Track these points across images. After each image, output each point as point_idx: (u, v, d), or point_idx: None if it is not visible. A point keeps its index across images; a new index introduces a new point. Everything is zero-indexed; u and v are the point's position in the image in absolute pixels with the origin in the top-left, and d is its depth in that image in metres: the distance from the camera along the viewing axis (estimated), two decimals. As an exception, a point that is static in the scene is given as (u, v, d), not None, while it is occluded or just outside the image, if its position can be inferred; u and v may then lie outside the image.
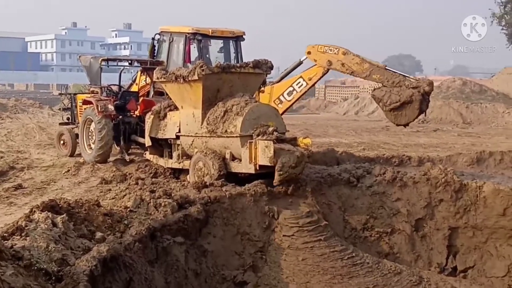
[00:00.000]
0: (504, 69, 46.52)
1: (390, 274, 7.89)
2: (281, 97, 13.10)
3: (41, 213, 5.63)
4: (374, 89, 12.72)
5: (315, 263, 7.73)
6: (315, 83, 13.31)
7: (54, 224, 5.51)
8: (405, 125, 12.54)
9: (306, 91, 13.42)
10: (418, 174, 9.67)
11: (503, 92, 38.97)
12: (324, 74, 13.18)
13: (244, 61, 13.13)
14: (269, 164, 8.75)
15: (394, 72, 12.50)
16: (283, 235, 8.03)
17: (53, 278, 4.69)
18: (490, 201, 9.12)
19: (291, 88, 13.04)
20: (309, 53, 13.01)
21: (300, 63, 13.59)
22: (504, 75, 45.04)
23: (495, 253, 9.15)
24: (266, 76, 11.15)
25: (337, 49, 12.66)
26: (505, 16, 43.99)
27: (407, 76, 12.47)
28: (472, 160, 12.48)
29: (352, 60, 12.50)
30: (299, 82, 13.07)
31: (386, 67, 12.59)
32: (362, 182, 9.55)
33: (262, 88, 11.94)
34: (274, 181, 8.66)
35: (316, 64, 13.08)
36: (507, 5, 43.76)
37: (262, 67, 10.36)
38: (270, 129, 9.17)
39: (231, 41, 15.30)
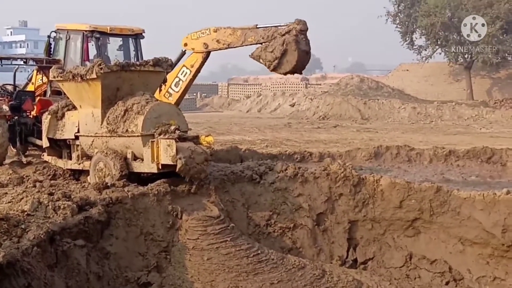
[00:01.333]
0: (399, 66, 48.37)
1: (294, 269, 8.02)
2: (170, 90, 12.99)
3: None
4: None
5: (220, 262, 7.74)
6: (199, 69, 13.17)
7: None
8: (293, 72, 12.14)
9: (192, 79, 13.22)
10: (319, 170, 9.87)
11: (398, 88, 40.59)
12: (205, 59, 12.99)
13: (144, 59, 12.99)
14: (172, 163, 8.69)
15: (266, 27, 12.26)
16: (188, 238, 7.99)
17: None
18: (387, 194, 9.43)
19: (177, 79, 12.93)
20: (185, 45, 12.94)
21: (183, 53, 13.48)
22: (399, 71, 46.87)
23: (393, 244, 9.48)
24: (167, 74, 11.07)
25: (208, 29, 12.61)
26: (399, 14, 45.71)
27: (279, 26, 12.14)
28: (370, 154, 12.91)
29: (224, 33, 12.41)
30: (183, 71, 12.98)
31: (258, 26, 12.38)
32: (265, 178, 9.65)
33: (164, 88, 11.87)
34: (177, 170, 8.61)
35: (193, 50, 12.99)
36: (400, 4, 45.50)
37: (163, 65, 10.26)
38: (172, 127, 9.10)
39: (130, 39, 15.10)
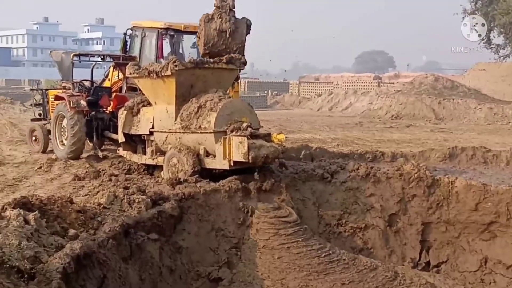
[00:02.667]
0: (475, 65, 47.05)
1: (365, 270, 7.92)
2: None
3: (12, 210, 5.56)
4: None
5: (291, 260, 7.72)
6: None
7: (26, 221, 5.43)
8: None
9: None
10: (391, 170, 9.73)
11: (474, 88, 39.43)
12: None
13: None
14: (243, 160, 8.75)
15: None
16: (258, 238, 8.01)
17: (26, 275, 4.63)
18: (462, 196, 9.21)
19: None
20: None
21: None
22: (475, 71, 45.53)
23: (467, 247, 9.24)
24: (240, 71, 11.14)
25: None
26: (476, 12, 44.46)
27: None
28: (444, 155, 12.60)
29: None
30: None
31: None
32: (336, 177, 9.59)
33: (236, 85, 11.94)
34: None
35: None
36: (478, 2, 44.24)
37: (236, 62, 10.33)
38: (244, 125, 9.17)
39: (204, 36, 15.23)
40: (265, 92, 50.49)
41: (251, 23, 10.68)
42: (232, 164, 9.01)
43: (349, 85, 47.46)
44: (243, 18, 10.61)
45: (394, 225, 9.43)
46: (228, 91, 10.85)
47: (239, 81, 12.39)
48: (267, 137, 9.34)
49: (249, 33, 10.73)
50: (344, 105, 38.46)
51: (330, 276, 7.67)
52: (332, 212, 9.29)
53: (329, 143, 17.80)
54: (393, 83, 48.27)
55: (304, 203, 9.22)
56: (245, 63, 10.52)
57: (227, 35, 10.41)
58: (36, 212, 5.71)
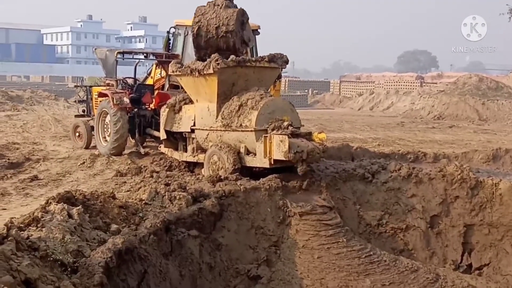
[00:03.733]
0: (521, 66, 45.78)
1: (407, 272, 7.84)
2: None
3: (57, 205, 5.65)
4: None
5: (330, 260, 7.69)
6: None
7: (70, 216, 5.53)
8: None
9: None
10: (434, 171, 9.60)
11: (519, 89, 38.60)
12: None
13: (259, 55, 13.11)
14: (284, 159, 8.74)
15: None
16: (298, 238, 8.00)
17: (69, 269, 4.71)
18: (506, 198, 9.04)
19: None
20: None
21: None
22: (521, 71, 44.40)
23: (510, 251, 9.06)
24: (282, 70, 11.13)
25: None
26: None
27: None
28: (488, 157, 12.39)
29: None
30: None
31: None
32: (377, 177, 9.50)
33: (278, 84, 11.94)
34: (298, 171, 8.65)
35: None
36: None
37: (278, 61, 10.32)
38: (285, 123, 9.15)
39: (246, 35, 15.25)
40: (306, 91, 50.39)
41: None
42: (272, 163, 9.01)
43: (391, 85, 47.04)
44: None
45: (436, 226, 9.30)
46: (269, 90, 10.86)
47: (280, 79, 12.37)
48: (308, 136, 9.33)
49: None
50: (386, 104, 38.15)
51: (370, 277, 7.62)
52: (373, 213, 9.21)
53: (370, 143, 17.68)
54: (436, 83, 47.68)
55: (344, 202, 9.16)
56: (287, 62, 10.50)
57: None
58: (80, 206, 5.80)
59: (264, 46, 15.53)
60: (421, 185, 9.41)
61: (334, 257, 7.73)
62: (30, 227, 5.13)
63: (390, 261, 7.92)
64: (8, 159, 12.85)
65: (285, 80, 50.90)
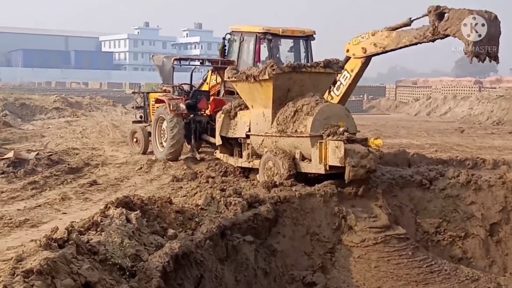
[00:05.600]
0: None
1: (467, 281, 7.67)
2: (332, 92, 12.86)
3: (115, 209, 5.76)
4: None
5: (388, 270, 7.58)
6: (359, 74, 12.92)
7: (128, 220, 5.62)
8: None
9: (352, 83, 13.03)
10: (494, 177, 9.39)
11: None
12: (364, 64, 12.66)
13: (314, 60, 13.08)
14: (339, 165, 8.67)
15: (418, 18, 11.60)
16: (355, 246, 7.90)
17: (127, 273, 4.79)
18: None
19: (338, 82, 12.77)
20: (347, 51, 12.66)
21: (347, 59, 13.29)
22: None
23: None
24: (337, 75, 11.07)
25: (367, 33, 12.28)
26: None
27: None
28: (550, 163, 12.03)
29: (381, 36, 11.99)
30: (344, 75, 12.76)
31: (411, 19, 11.70)
32: (435, 184, 9.34)
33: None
34: (345, 178, 8.58)
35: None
36: None
37: (333, 66, 10.28)
38: (341, 129, 9.09)
39: (301, 40, 15.25)
40: (361, 96, 49.92)
41: None
42: (328, 169, 8.95)
43: (449, 90, 46.16)
44: None
45: (496, 234, 9.08)
46: (324, 95, 10.81)
47: (335, 85, 12.32)
48: (364, 142, 9.23)
49: None
50: (443, 110, 37.47)
51: (429, 286, 7.49)
52: (431, 220, 9.05)
53: (427, 149, 17.38)
54: (495, 88, 46.58)
55: (401, 209, 9.03)
56: (342, 67, 10.46)
57: None
58: (138, 211, 5.90)
59: (320, 51, 15.48)
60: (480, 192, 9.21)
61: (392, 267, 7.62)
62: (90, 231, 5.24)
63: (451, 270, 7.77)
64: (68, 164, 13.15)
65: (340, 86, 50.51)
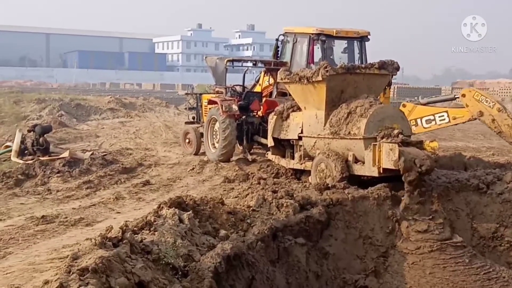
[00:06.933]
0: None
1: (525, 288, 7.45)
2: (419, 121, 12.42)
3: (168, 209, 5.80)
4: None
5: (444, 276, 7.39)
6: (457, 124, 12.64)
7: (181, 220, 5.65)
8: None
9: (444, 127, 12.75)
10: (552, 182, 9.07)
11: None
12: (469, 120, 12.42)
13: (368, 61, 12.93)
14: (394, 168, 8.53)
15: None
16: (410, 252, 7.75)
17: (180, 273, 4.81)
18: None
19: (432, 117, 12.33)
20: (463, 95, 12.16)
21: (454, 98, 13.00)
22: None
23: None
24: (392, 77, 10.91)
25: (494, 103, 11.77)
26: None
27: None
28: None
29: (504, 121, 11.61)
30: (443, 116, 12.29)
31: None
32: (492, 188, 9.07)
33: (388, 91, 11.72)
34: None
35: (466, 108, 12.21)
36: None
37: (388, 68, 10.14)
38: (395, 131, 8.95)
39: (355, 41, 15.07)
40: (415, 97, 49.16)
41: None
42: (381, 171, 8.83)
43: (506, 92, 45.06)
44: None
45: (553, 240, 8.77)
46: (378, 97, 10.67)
47: (390, 86, 12.14)
48: (419, 144, 9.06)
49: None
50: (501, 113, 36.55)
51: (486, 293, 7.28)
52: (487, 225, 8.81)
53: (483, 152, 16.99)
54: (553, 90, 45.24)
55: (457, 214, 8.82)
56: (397, 69, 10.30)
57: None
58: (190, 212, 5.92)
59: (375, 52, 15.30)
60: (539, 197, 8.91)
61: (448, 274, 7.43)
62: (143, 231, 5.28)
63: (509, 277, 7.54)
64: (122, 164, 13.35)
65: (394, 87, 49.95)
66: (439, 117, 12.27)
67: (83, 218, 8.85)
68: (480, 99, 11.79)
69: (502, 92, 45.32)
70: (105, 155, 14.35)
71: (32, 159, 13.06)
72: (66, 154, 13.33)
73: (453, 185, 9.05)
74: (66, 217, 8.86)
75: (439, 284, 7.36)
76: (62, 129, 21.60)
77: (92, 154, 14.03)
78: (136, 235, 5.04)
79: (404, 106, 12.15)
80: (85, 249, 4.42)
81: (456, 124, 12.57)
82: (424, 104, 13.06)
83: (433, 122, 12.31)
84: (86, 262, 4.12)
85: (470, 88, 12.07)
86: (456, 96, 13.25)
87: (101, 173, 12.26)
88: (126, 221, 5.54)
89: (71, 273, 4.00)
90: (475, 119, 12.10)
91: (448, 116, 12.21)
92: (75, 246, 6.75)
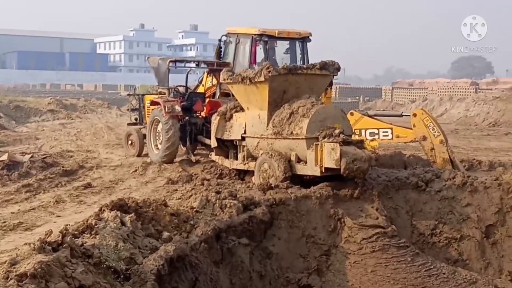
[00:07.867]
0: None
1: (465, 284, 7.64)
2: (363, 131, 12.47)
3: (110, 212, 5.73)
4: None
5: (385, 274, 7.54)
6: (399, 142, 12.82)
7: (123, 223, 5.59)
8: None
9: (386, 143, 12.93)
10: (489, 179, 9.36)
11: None
12: (411, 141, 12.57)
13: (310, 62, 13.06)
14: (335, 167, 8.65)
15: None
16: (351, 251, 7.87)
17: (122, 276, 4.77)
18: None
19: (376, 131, 12.40)
20: (414, 115, 12.14)
21: (400, 115, 13.20)
22: None
23: None
24: (333, 77, 11.04)
25: (439, 134, 11.86)
26: None
27: None
28: (546, 165, 12.05)
29: (442, 153, 11.71)
30: (386, 132, 12.33)
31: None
32: (431, 186, 9.30)
33: (329, 91, 11.85)
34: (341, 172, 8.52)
35: (412, 128, 12.17)
36: None
37: (329, 68, 10.24)
38: (337, 131, 9.06)
39: (297, 42, 15.20)
40: (357, 98, 49.97)
41: None
42: (323, 171, 8.93)
43: (445, 91, 46.24)
44: None
45: (491, 236, 9.05)
46: (320, 97, 10.79)
47: (331, 87, 12.28)
48: (360, 143, 9.20)
49: None
50: (439, 111, 37.47)
51: (427, 290, 7.45)
52: (426, 222, 9.02)
53: (422, 150, 17.35)
54: (491, 89, 46.71)
55: (397, 211, 9.01)
56: (338, 69, 10.41)
57: None
58: (132, 214, 5.86)
59: (315, 53, 15.46)
60: (476, 194, 9.17)
61: (390, 271, 7.59)
62: (84, 234, 5.22)
63: (449, 273, 7.73)
64: (63, 167, 13.11)
65: (336, 87, 50.63)
66: (383, 132, 12.39)
67: (22, 223, 8.66)
68: (428, 125, 11.93)
69: (440, 91, 46.45)
70: (45, 157, 14.05)
71: (-32, 163, 12.69)
72: (4, 157, 12.99)
73: (393, 183, 9.24)
74: (5, 222, 8.66)
75: (381, 282, 7.50)
76: (0, 132, 21.10)
77: (31, 157, 13.70)
78: (76, 239, 4.96)
79: (352, 114, 12.27)
80: (23, 254, 4.34)
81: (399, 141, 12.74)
82: (371, 116, 13.20)
83: (376, 136, 12.43)
84: (25, 267, 4.05)
85: (422, 111, 12.22)
86: (403, 114, 13.53)
87: (41, 176, 12.01)
88: (67, 225, 5.45)
89: (9, 279, 3.93)
90: (417, 141, 12.25)
91: (392, 133, 12.35)
92: (13, 251, 6.59)
